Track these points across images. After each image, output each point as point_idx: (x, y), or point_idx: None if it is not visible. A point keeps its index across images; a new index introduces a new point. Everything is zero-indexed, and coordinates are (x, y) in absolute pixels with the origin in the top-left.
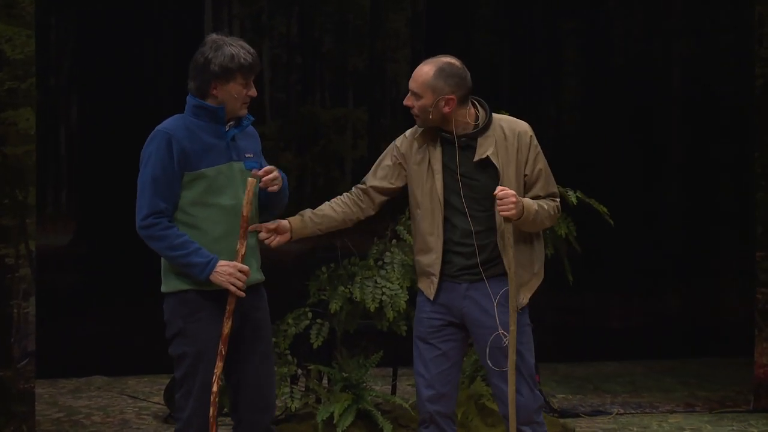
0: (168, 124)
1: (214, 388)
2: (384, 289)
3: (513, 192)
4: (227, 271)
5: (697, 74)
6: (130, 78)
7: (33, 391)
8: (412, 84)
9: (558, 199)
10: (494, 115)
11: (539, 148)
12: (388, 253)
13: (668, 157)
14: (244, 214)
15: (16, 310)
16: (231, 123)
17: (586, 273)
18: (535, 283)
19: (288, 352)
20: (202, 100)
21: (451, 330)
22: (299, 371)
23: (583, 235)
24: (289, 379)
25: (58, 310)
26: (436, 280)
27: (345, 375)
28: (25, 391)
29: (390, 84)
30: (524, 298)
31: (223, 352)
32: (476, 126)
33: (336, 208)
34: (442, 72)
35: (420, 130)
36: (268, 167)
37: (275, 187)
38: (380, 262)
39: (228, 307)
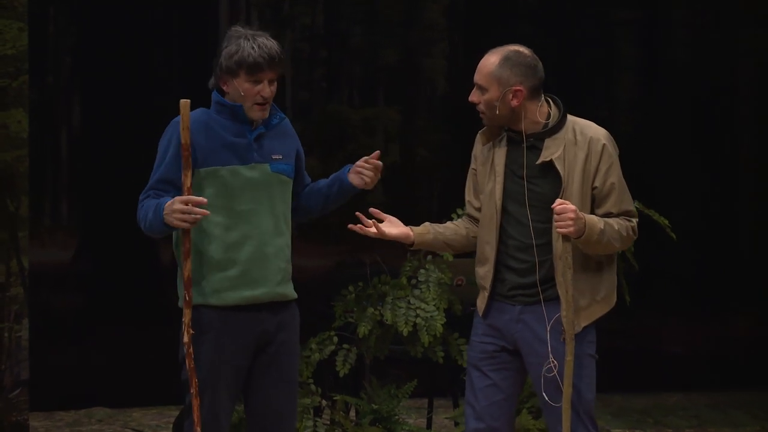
0: None
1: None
2: (418, 311)
3: (574, 207)
4: (175, 208)
5: None
6: (138, 75)
7: (27, 424)
8: (477, 76)
9: (634, 220)
10: (570, 116)
11: (614, 158)
12: (422, 271)
13: (736, 163)
14: (183, 141)
15: (7, 334)
16: (257, 122)
17: (644, 293)
18: (598, 311)
19: (311, 380)
20: (222, 97)
21: (504, 357)
22: (323, 402)
23: (641, 250)
24: (312, 411)
25: (55, 333)
26: (486, 294)
27: (374, 407)
28: (18, 425)
29: (425, 81)
30: (578, 326)
31: (187, 298)
32: (546, 125)
33: (457, 223)
34: (508, 61)
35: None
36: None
37: (361, 182)
38: (414, 281)
39: (182, 247)
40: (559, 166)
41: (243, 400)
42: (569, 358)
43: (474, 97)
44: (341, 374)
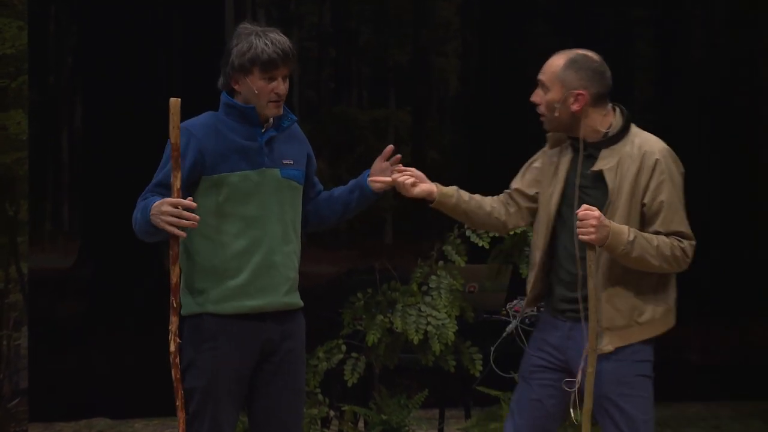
0: (193, 120)
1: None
2: (429, 319)
3: (597, 214)
4: (164, 210)
5: None
6: (141, 76)
7: None
8: (541, 75)
9: (686, 242)
10: (634, 129)
11: (667, 175)
12: (433, 277)
13: (759, 165)
14: (173, 140)
15: (6, 342)
16: (268, 124)
17: None
18: (636, 335)
19: (318, 390)
20: (232, 98)
21: (553, 375)
22: (331, 413)
23: None
24: (319, 422)
25: (55, 342)
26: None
27: (384, 417)
28: None
29: (437, 81)
30: (608, 345)
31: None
32: (606, 134)
33: (486, 199)
34: (573, 63)
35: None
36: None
37: (382, 185)
38: (425, 287)
39: (171, 251)
40: (608, 178)
41: (246, 410)
42: (590, 370)
43: (536, 97)
44: (349, 384)
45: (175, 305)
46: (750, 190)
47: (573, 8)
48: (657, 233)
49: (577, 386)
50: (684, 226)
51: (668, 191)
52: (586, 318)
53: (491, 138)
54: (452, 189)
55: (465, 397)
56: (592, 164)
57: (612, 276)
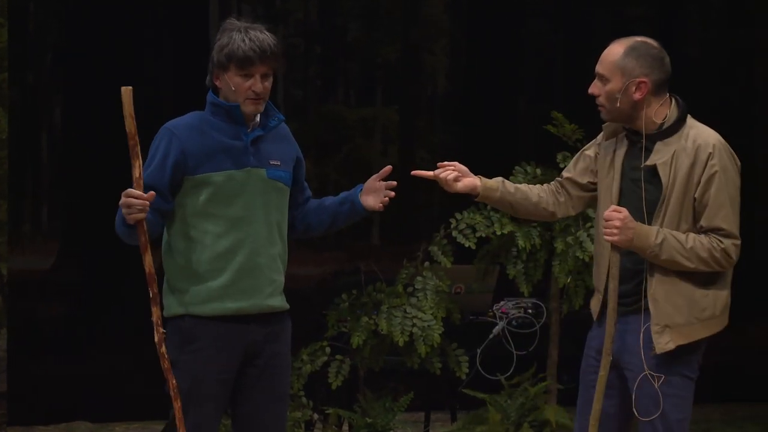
0: (176, 120)
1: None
2: (415, 320)
3: (623, 215)
4: (121, 203)
5: None
6: (125, 73)
7: None
8: (599, 66)
9: (728, 241)
10: (690, 120)
11: (719, 168)
12: (419, 278)
13: (754, 164)
14: (128, 130)
15: None
16: (255, 123)
17: None
18: (700, 332)
19: (302, 393)
20: (216, 96)
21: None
22: (315, 416)
23: None
24: (303, 425)
25: (35, 344)
26: (600, 297)
27: (369, 420)
28: None
29: (426, 79)
30: (670, 343)
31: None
32: (661, 126)
33: (532, 189)
34: (633, 51)
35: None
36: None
37: (376, 204)
38: (410, 289)
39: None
40: (662, 173)
41: (230, 413)
42: (602, 373)
43: (594, 88)
44: (334, 386)
45: (152, 295)
46: (743, 188)
47: (567, 5)
48: (700, 228)
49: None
50: (728, 223)
51: (718, 185)
52: (637, 312)
53: (480, 136)
54: (497, 182)
55: (451, 400)
56: (646, 158)
57: (668, 272)
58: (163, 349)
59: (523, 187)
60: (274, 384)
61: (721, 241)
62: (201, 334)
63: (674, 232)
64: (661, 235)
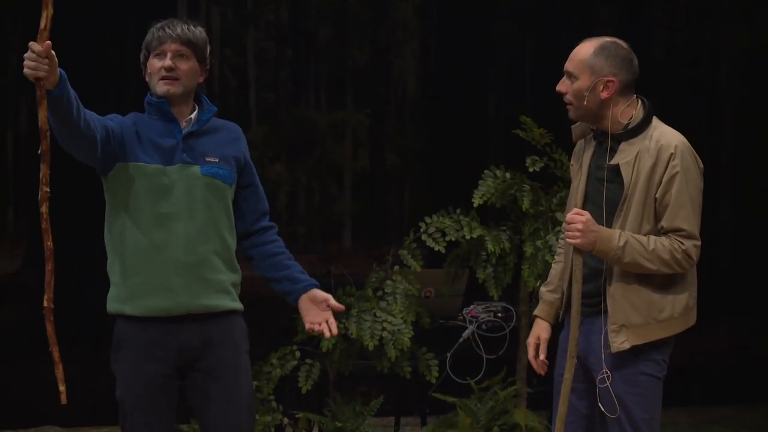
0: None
1: None
2: (385, 324)
3: (585, 218)
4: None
5: (754, 67)
6: (92, 74)
7: None
8: (568, 64)
9: (688, 242)
10: (655, 121)
11: (680, 169)
12: (389, 282)
13: (717, 167)
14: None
15: None
16: (189, 121)
17: None
18: (654, 333)
19: (272, 397)
20: (149, 94)
21: (575, 376)
22: (285, 420)
23: None
24: (273, 429)
25: (1, 349)
26: (557, 297)
27: (339, 425)
28: None
29: (396, 83)
30: (625, 342)
31: None
32: (626, 126)
33: (557, 260)
34: (603, 50)
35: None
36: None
37: (310, 327)
38: (380, 293)
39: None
40: (624, 172)
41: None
42: (567, 375)
43: (562, 86)
44: (304, 391)
45: (47, 252)
46: (708, 189)
47: (536, 7)
48: (661, 228)
49: (606, 384)
50: (688, 224)
51: (679, 186)
52: (600, 312)
53: (450, 140)
54: (544, 309)
55: (421, 404)
56: (612, 157)
57: (627, 273)
58: (51, 317)
59: (552, 271)
60: (226, 388)
61: (682, 243)
62: (129, 340)
63: (636, 235)
64: (624, 238)
